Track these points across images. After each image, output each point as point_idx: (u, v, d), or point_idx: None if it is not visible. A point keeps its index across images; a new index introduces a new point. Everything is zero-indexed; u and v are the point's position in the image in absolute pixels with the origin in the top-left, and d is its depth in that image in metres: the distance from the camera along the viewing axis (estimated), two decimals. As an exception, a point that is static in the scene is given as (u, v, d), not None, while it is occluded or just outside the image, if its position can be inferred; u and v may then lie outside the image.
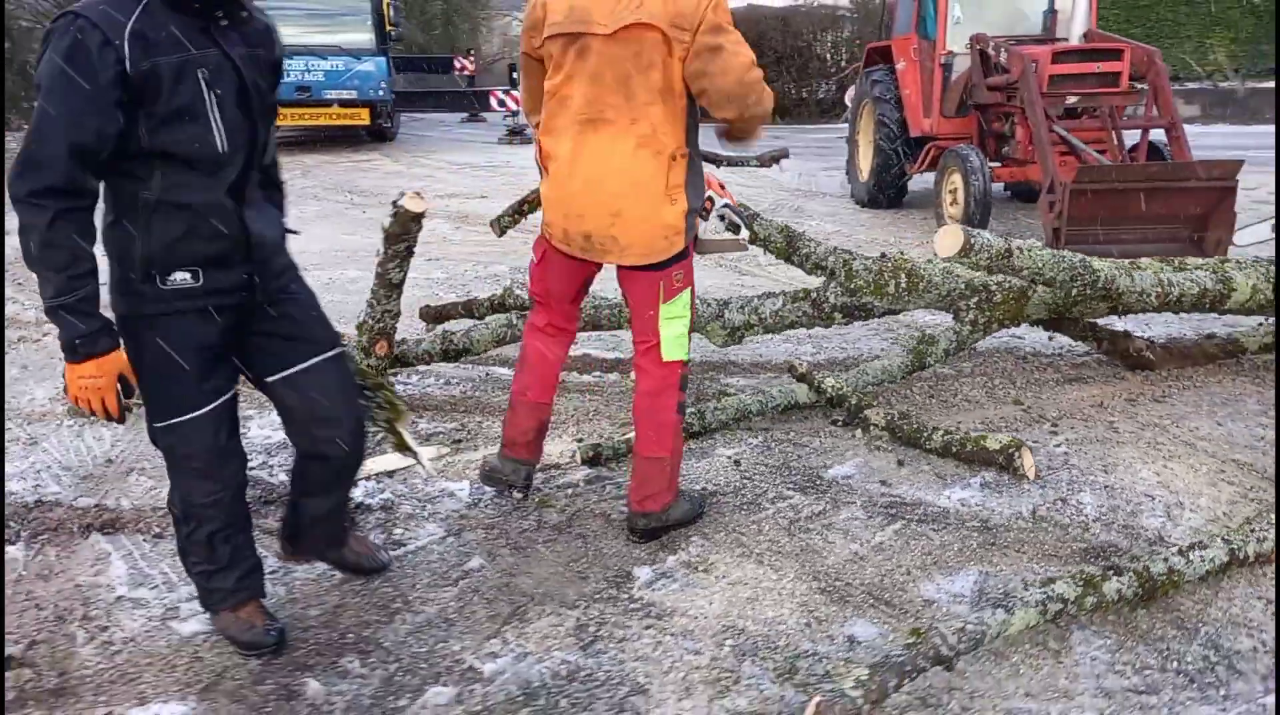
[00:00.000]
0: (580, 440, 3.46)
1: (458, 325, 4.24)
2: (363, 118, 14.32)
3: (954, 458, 3.26)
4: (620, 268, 2.60)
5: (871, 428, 3.51)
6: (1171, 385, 3.96)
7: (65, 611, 2.42)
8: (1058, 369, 4.21)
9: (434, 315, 4.56)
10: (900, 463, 3.28)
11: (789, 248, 3.84)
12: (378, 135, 15.44)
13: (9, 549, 2.71)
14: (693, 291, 2.65)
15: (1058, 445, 3.39)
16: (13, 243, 1.99)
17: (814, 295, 3.95)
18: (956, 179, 6.93)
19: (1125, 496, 3.00)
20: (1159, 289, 3.73)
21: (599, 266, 2.71)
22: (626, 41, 2.36)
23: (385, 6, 14.28)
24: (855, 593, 2.47)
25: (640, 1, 2.33)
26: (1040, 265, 3.41)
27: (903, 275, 3.69)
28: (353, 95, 13.95)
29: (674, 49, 2.35)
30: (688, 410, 3.21)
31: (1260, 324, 4.22)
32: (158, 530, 2.80)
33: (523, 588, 2.52)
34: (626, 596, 2.48)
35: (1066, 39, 7.30)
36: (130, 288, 1.95)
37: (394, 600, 2.46)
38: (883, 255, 3.74)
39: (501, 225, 4.09)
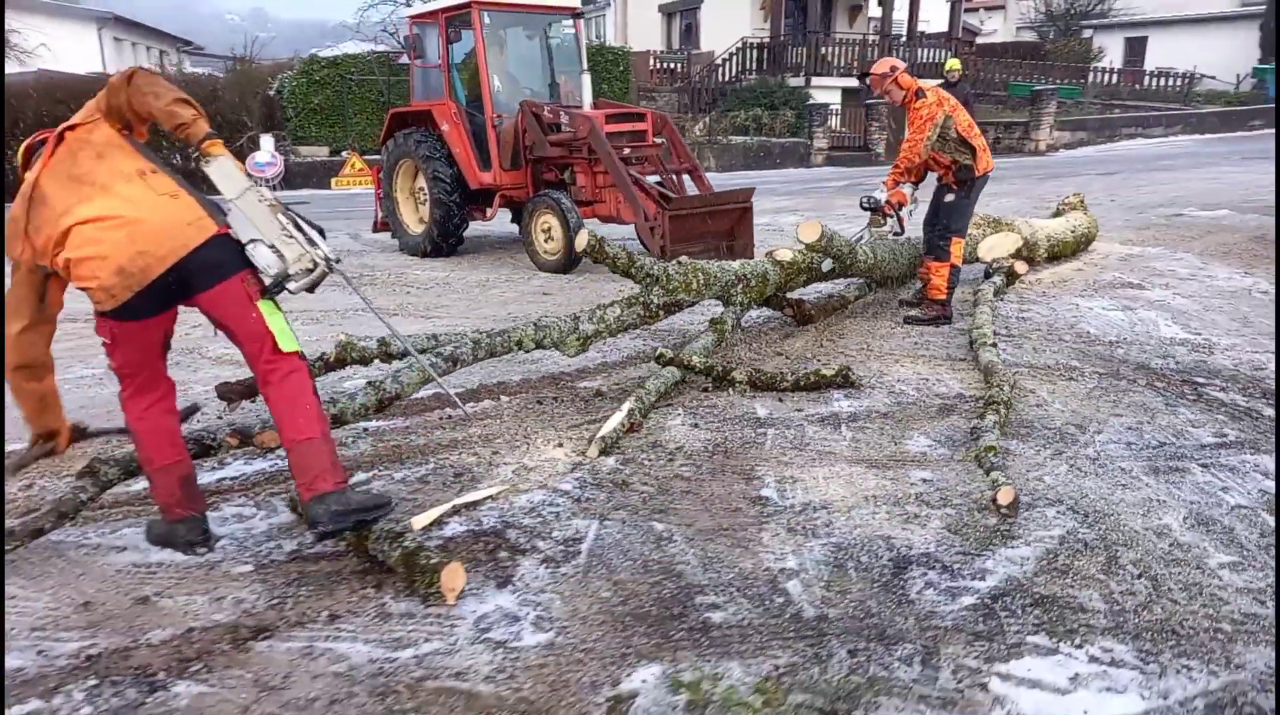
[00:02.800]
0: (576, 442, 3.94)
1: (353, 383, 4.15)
2: None
3: (805, 389, 4.61)
4: (203, 294, 2.73)
5: (738, 384, 4.67)
6: (835, 326, 5.91)
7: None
8: (776, 329, 5.86)
9: (241, 392, 4.29)
10: (780, 399, 4.52)
11: (630, 263, 4.77)
12: None
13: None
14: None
15: (828, 369, 4.98)
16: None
17: (643, 299, 4.93)
18: (550, 218, 8.27)
19: (881, 378, 4.71)
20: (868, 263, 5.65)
21: (169, 311, 2.85)
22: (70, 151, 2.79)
23: None
24: (812, 448, 3.68)
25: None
26: (877, 258, 5.04)
27: (700, 274, 4.97)
28: None
29: (94, 129, 2.82)
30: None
31: (850, 285, 6.46)
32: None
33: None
34: (782, 505, 3.30)
35: (580, 106, 9.18)
36: None
37: (654, 561, 2.89)
38: (679, 261, 4.92)
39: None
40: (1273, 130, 19.07)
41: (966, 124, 5.82)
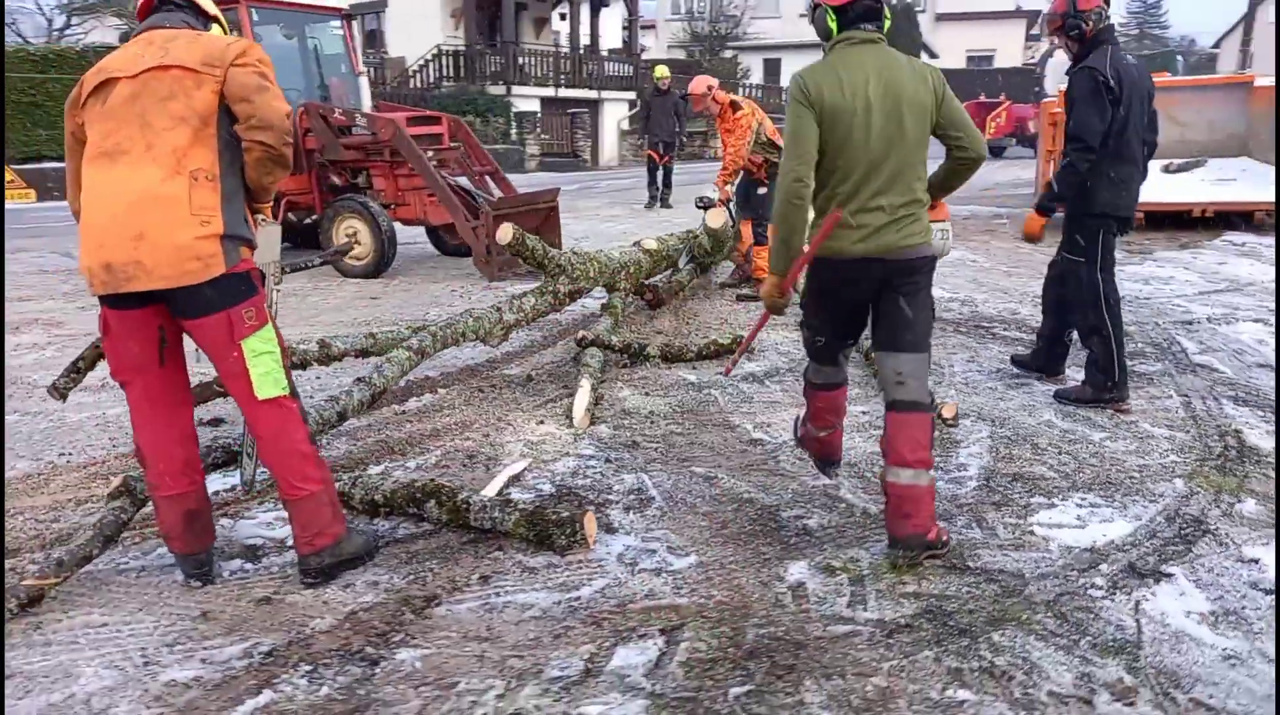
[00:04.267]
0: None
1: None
2: None
3: (708, 357, 5.25)
4: (185, 320, 2.57)
5: (652, 358, 5.19)
6: (685, 309, 6.62)
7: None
8: (636, 313, 6.42)
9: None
10: (694, 367, 5.12)
11: (545, 256, 5.10)
12: None
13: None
14: (276, 329, 2.66)
15: (723, 338, 5.69)
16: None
17: (552, 288, 5.28)
18: (356, 223, 8.11)
19: (762, 343, 5.54)
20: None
21: (158, 318, 2.59)
22: (147, 80, 2.50)
23: None
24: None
25: (165, 47, 2.55)
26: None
27: (594, 263, 5.46)
28: None
29: (205, 81, 2.49)
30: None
31: (672, 272, 7.21)
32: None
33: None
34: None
35: (360, 109, 9.06)
36: None
37: (721, 494, 3.38)
38: (573, 251, 5.38)
39: (61, 389, 3.35)
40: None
41: (772, 129, 6.80)
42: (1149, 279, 7.36)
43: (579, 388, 4.43)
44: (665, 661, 2.36)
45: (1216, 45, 50.18)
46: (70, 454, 3.94)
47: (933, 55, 36.19)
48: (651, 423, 4.20)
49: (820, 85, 2.74)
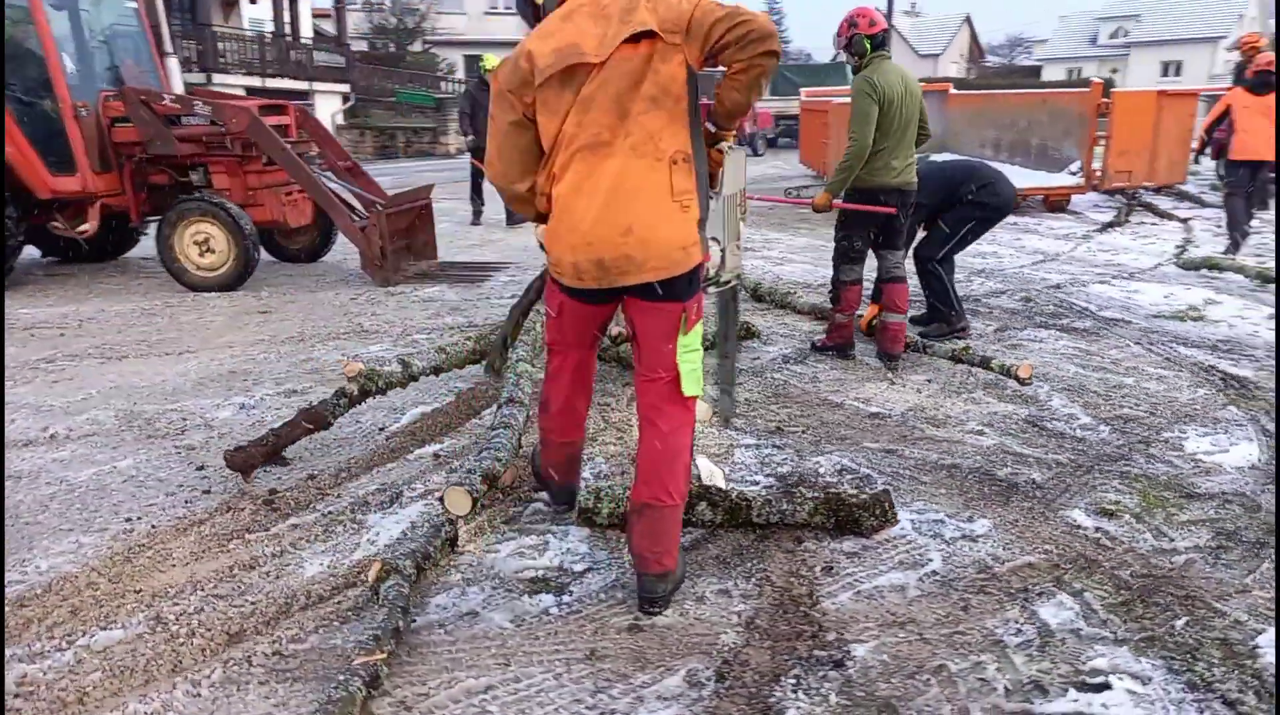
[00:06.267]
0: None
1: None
2: None
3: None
4: (634, 301, 2.50)
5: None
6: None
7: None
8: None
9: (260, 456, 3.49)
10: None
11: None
12: None
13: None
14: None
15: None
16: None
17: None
18: (208, 227, 6.98)
19: (767, 330, 5.77)
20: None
21: (616, 306, 2.63)
22: (618, 61, 2.35)
23: None
24: (823, 379, 4.74)
25: (626, 18, 2.35)
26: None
27: None
28: None
29: (669, 53, 2.34)
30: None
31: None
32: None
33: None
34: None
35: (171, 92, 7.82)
36: None
37: (922, 463, 3.55)
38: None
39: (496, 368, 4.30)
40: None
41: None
42: (984, 254, 8.55)
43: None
44: (1093, 612, 2.52)
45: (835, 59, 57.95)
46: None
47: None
48: (757, 409, 4.23)
49: (879, 85, 4.47)
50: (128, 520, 3.18)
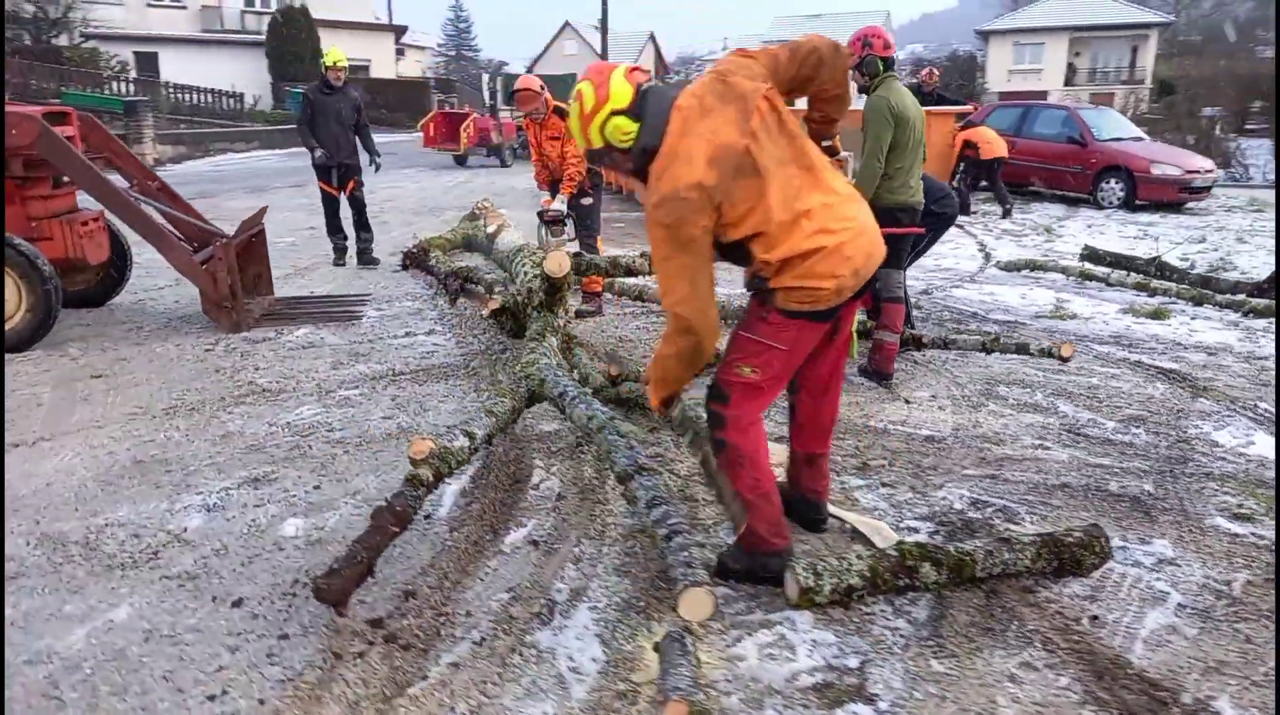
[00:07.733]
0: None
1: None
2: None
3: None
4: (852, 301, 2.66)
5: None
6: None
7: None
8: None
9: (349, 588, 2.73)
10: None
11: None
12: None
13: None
14: None
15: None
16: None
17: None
18: None
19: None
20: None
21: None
22: (766, 116, 2.49)
23: None
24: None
25: (746, 87, 2.49)
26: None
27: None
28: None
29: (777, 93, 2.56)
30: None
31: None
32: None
33: (974, 457, 3.86)
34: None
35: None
36: None
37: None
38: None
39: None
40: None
41: (573, 136, 6.53)
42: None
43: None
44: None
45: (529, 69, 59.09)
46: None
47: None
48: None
49: (896, 105, 4.51)
50: (210, 699, 2.27)
